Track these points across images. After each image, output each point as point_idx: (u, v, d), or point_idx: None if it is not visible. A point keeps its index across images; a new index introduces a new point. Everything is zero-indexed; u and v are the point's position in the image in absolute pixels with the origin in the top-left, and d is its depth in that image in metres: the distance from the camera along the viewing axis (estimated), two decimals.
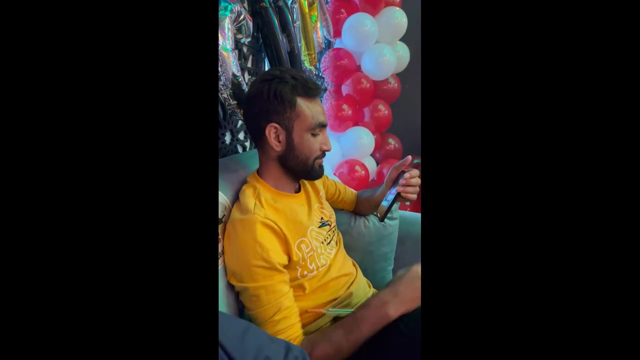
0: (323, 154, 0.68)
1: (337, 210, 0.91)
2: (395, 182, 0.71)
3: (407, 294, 0.53)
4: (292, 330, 0.57)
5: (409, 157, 0.71)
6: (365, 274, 0.80)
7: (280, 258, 0.59)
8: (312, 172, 0.67)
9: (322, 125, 0.66)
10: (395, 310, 0.52)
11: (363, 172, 1.63)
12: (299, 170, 0.67)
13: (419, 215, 1.11)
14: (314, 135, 0.65)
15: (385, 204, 0.68)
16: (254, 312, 0.58)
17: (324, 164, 0.70)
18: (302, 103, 0.63)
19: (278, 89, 0.62)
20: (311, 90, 0.64)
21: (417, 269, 0.56)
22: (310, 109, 0.64)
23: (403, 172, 0.70)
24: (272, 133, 0.63)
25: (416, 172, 0.69)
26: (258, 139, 0.66)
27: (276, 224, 0.60)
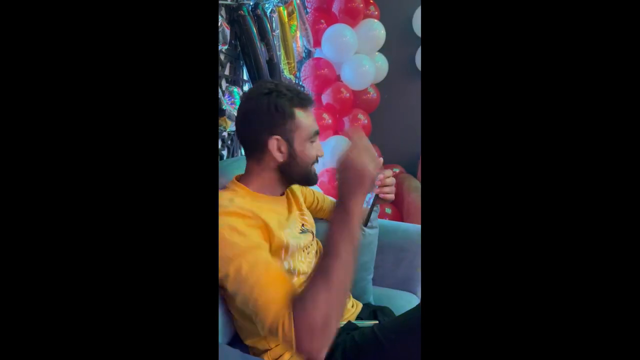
0: (317, 159, 0.71)
1: (316, 220, 0.90)
2: None
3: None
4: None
5: (380, 159, 0.72)
6: None
7: (258, 238, 0.57)
8: (310, 176, 0.70)
9: (317, 133, 0.70)
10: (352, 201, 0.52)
11: None
12: (299, 176, 0.69)
13: (398, 223, 1.12)
14: (312, 142, 0.68)
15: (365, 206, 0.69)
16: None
17: None
18: (299, 114, 0.66)
19: (279, 102, 0.64)
20: (305, 101, 0.67)
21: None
22: (307, 119, 0.67)
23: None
24: (275, 145, 0.65)
25: (389, 172, 0.72)
26: (255, 151, 0.68)
27: (252, 212, 0.59)
